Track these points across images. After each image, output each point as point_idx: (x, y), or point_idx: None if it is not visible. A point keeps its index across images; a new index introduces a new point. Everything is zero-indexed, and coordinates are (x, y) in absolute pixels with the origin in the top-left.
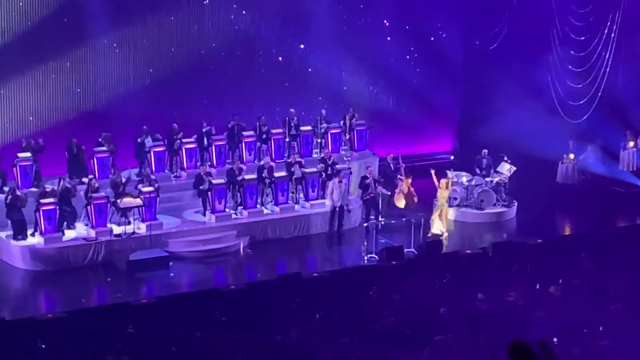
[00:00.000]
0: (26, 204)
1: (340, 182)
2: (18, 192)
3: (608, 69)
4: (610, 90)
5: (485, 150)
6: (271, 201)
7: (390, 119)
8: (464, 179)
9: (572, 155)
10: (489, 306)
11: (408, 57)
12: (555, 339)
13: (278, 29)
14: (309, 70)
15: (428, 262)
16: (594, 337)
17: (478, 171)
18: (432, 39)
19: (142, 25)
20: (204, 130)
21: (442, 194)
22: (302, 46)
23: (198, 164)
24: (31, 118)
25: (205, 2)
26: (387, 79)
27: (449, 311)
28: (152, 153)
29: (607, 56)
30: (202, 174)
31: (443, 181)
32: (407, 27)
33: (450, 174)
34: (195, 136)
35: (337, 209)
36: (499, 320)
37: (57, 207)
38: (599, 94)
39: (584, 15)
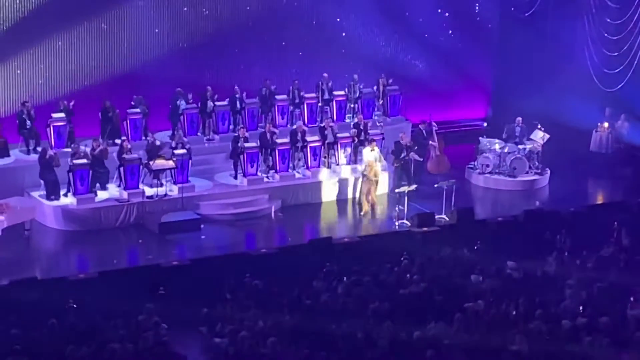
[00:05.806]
0: (60, 163)
1: (372, 150)
2: (51, 152)
3: None
4: None
5: (519, 118)
6: (303, 165)
7: (424, 85)
8: (497, 146)
9: (606, 124)
10: (519, 274)
11: (443, 23)
12: (581, 307)
13: None
14: (343, 34)
15: (459, 229)
16: (625, 306)
17: (505, 137)
18: (467, 5)
19: None
20: (236, 95)
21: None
22: (337, 12)
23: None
24: (65, 79)
25: None
26: (421, 45)
27: (479, 278)
28: (185, 115)
29: None
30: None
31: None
32: None
33: (483, 140)
34: (228, 99)
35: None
36: (529, 288)
37: (90, 168)
38: (635, 62)
39: None
